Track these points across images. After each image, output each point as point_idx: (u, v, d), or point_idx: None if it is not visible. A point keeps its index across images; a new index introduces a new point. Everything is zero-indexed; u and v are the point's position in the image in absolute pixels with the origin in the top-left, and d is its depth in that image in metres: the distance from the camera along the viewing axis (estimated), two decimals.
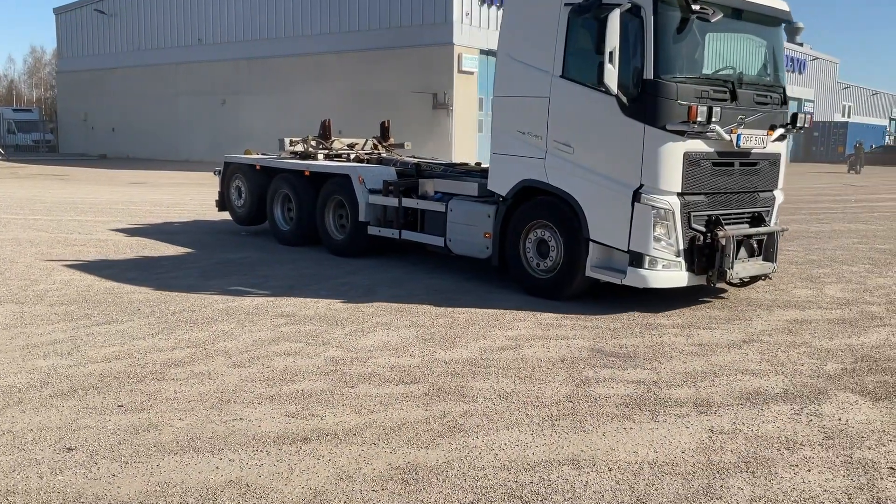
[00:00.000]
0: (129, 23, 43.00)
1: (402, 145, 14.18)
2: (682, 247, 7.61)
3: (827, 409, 5.32)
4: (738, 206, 8.14)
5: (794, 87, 51.35)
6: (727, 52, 8.27)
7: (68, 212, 16.49)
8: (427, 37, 30.93)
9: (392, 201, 10.25)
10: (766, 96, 8.15)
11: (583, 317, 7.73)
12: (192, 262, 10.52)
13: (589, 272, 8.04)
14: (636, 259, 7.60)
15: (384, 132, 14.14)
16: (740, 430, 4.90)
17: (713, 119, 7.32)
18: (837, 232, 14.88)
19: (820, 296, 8.98)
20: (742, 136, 7.73)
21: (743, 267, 8.00)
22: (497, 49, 8.93)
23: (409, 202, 10.09)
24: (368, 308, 7.97)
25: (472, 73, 31.22)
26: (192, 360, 6.17)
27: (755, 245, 8.21)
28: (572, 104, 8.04)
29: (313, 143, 13.14)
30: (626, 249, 7.65)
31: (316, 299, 8.32)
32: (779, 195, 8.70)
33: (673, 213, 7.48)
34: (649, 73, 7.34)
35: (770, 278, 8.72)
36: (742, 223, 8.18)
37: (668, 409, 5.25)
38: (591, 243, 7.94)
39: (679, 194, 7.54)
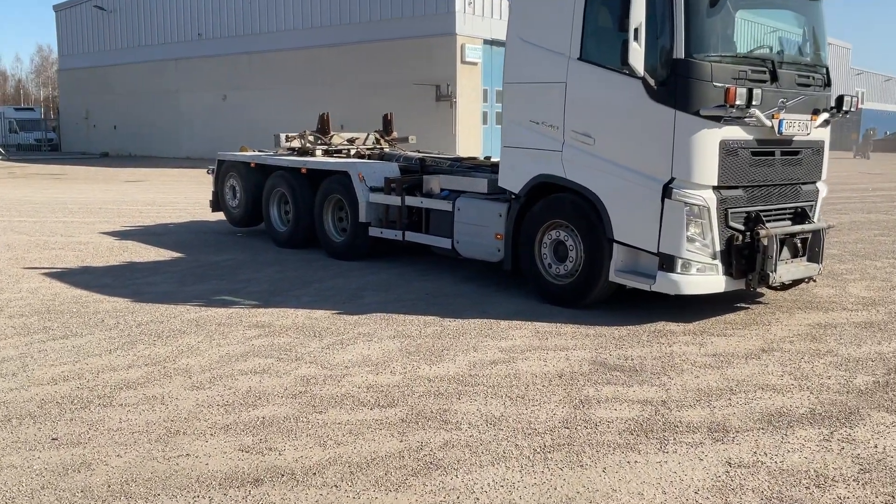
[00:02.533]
0: (129, 18, 42.41)
1: (406, 139, 13.46)
2: (718, 248, 6.80)
3: (860, 434, 4.65)
4: (779, 201, 7.30)
5: None
6: (764, 28, 7.46)
7: (56, 213, 15.92)
8: (429, 27, 30.17)
9: (395, 200, 9.46)
10: (808, 77, 7.33)
11: (584, 324, 7.07)
12: (172, 267, 9.90)
13: (613, 277, 7.23)
14: (667, 262, 6.79)
15: (387, 125, 13.37)
16: (762, 463, 4.24)
17: (753, 102, 6.53)
18: (857, 223, 14.13)
19: (843, 295, 8.28)
20: (785, 121, 6.91)
21: (787, 269, 7.15)
22: (507, 32, 8.06)
23: (412, 201, 9.30)
24: (351, 317, 7.33)
25: (475, 63, 30.45)
26: (148, 380, 5.55)
27: (799, 244, 7.35)
28: (592, 90, 7.27)
29: (311, 138, 12.36)
30: (656, 252, 6.85)
31: (296, 307, 7.69)
32: (822, 188, 7.84)
33: (708, 209, 6.68)
34: (679, 52, 6.56)
35: (815, 281, 7.89)
36: (784, 220, 7.34)
37: (679, 437, 4.59)
38: (614, 245, 7.15)
39: (715, 188, 6.74)
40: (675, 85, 6.63)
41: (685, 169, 6.70)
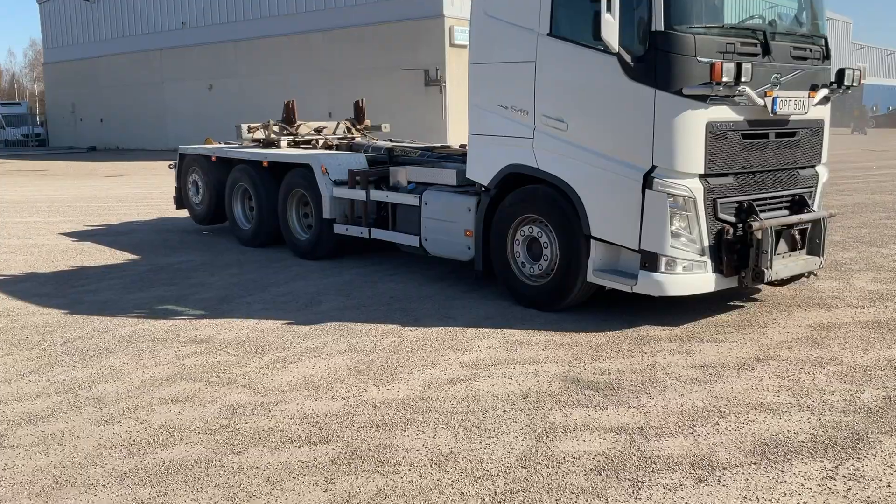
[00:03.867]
0: (113, 8, 41.43)
1: (379, 127, 12.62)
2: (707, 243, 6.10)
3: (870, 468, 3.93)
4: (774, 188, 6.58)
5: None
6: None
7: (21, 213, 15.19)
8: (416, 9, 29.26)
9: (359, 194, 8.69)
10: (805, 49, 6.59)
11: (559, 331, 6.35)
12: (122, 271, 9.19)
13: (591, 277, 6.50)
14: (650, 261, 6.08)
15: (358, 113, 12.52)
16: None
17: (742, 78, 5.79)
18: (861, 206, 13.37)
19: (848, 289, 7.56)
20: (779, 99, 6.18)
21: (784, 264, 6.44)
22: (471, 7, 7.31)
23: (377, 195, 8.53)
24: (303, 327, 6.62)
25: (465, 46, 29.59)
26: (53, 413, 4.85)
27: (797, 236, 6.62)
28: (564, 69, 6.55)
29: (275, 128, 11.51)
30: (637, 249, 6.16)
31: (244, 317, 6.98)
32: (823, 172, 7.08)
33: (694, 200, 5.99)
34: (658, 24, 5.83)
35: (816, 275, 7.10)
36: (780, 209, 6.63)
37: (656, 476, 3.88)
38: (592, 242, 6.44)
39: (702, 177, 6.05)
40: (654, 61, 5.89)
41: (667, 155, 5.98)
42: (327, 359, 5.78)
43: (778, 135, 6.50)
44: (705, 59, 5.82)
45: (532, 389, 5.08)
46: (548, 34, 6.55)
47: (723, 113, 6.03)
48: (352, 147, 10.79)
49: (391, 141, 11.53)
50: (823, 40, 6.89)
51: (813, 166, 6.98)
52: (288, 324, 6.73)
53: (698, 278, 6.17)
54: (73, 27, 44.19)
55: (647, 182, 6.02)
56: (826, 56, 6.86)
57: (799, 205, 6.73)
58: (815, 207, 6.91)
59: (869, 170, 20.73)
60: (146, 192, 18.88)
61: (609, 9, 5.72)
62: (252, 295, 7.83)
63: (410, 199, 8.14)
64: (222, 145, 11.94)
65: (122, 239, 11.54)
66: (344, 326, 6.61)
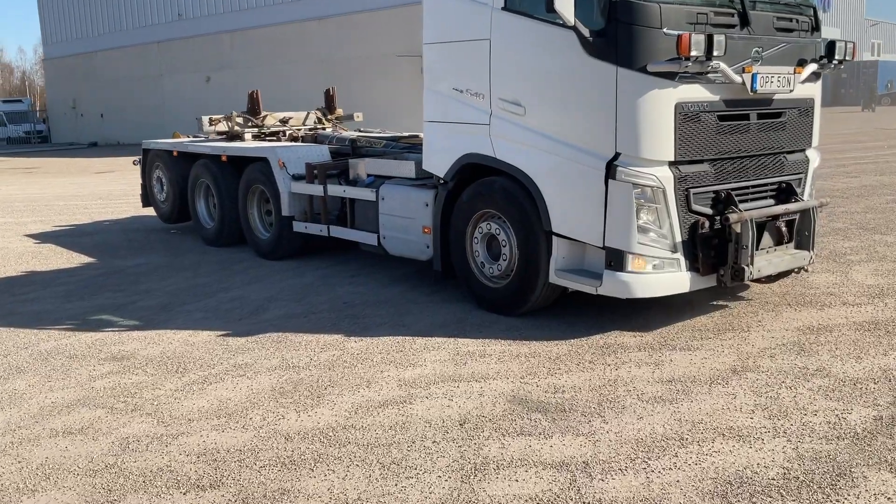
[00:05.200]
0: (110, 2, 40.99)
1: (351, 117, 11.93)
2: (679, 238, 5.48)
3: None
4: (757, 176, 5.93)
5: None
6: None
7: None
8: None
9: (317, 189, 8.11)
10: (790, 20, 5.92)
11: (518, 338, 5.73)
12: (72, 276, 8.63)
13: (553, 278, 5.87)
14: (615, 259, 5.46)
15: (329, 102, 11.80)
16: None
17: (715, 53, 5.14)
18: (868, 188, 12.59)
19: (845, 283, 6.87)
20: (759, 76, 5.50)
21: (768, 260, 5.79)
22: None
23: (334, 190, 7.92)
24: (238, 339, 6.03)
25: None
26: None
27: (784, 228, 5.97)
28: (520, 46, 5.91)
29: (240, 119, 10.81)
30: (602, 246, 5.55)
31: (178, 328, 6.40)
32: (814, 156, 6.42)
33: (664, 191, 5.37)
34: None
35: (807, 270, 6.36)
36: (765, 198, 6.00)
37: None
38: (554, 238, 5.82)
39: (672, 164, 5.41)
40: (615, 34, 5.24)
41: (632, 141, 5.34)
42: (253, 378, 5.18)
43: (760, 116, 5.82)
44: (672, 32, 5.15)
45: (472, 413, 4.47)
46: (502, 8, 5.91)
47: (695, 92, 5.37)
48: (317, 139, 10.13)
49: (360, 131, 10.92)
50: (812, 10, 6.19)
51: (802, 150, 6.31)
52: (223, 336, 6.14)
53: (671, 278, 5.54)
54: (71, 22, 43.75)
55: (611, 171, 5.38)
56: (815, 28, 6.17)
57: (786, 193, 6.07)
58: (805, 196, 6.24)
59: (880, 149, 19.85)
60: (131, 188, 18.30)
61: None
62: (197, 302, 7.25)
63: (367, 194, 7.50)
64: (184, 139, 11.36)
65: (85, 240, 10.99)
66: (283, 338, 6.01)
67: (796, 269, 6.21)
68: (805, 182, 6.31)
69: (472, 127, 6.27)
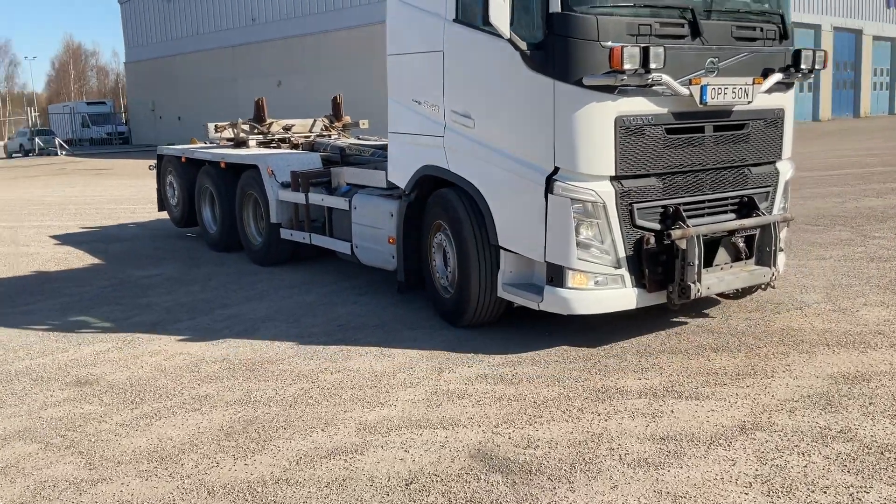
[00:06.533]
0: (187, 7, 41.87)
1: (357, 124, 11.91)
2: (623, 254, 5.31)
3: None
4: (714, 190, 5.70)
5: (880, 24, 45.08)
6: None
7: (42, 216, 14.88)
8: None
9: (300, 197, 8.16)
10: (752, 29, 5.69)
11: (511, 378, 5.14)
12: (78, 287, 8.45)
13: (501, 292, 5.82)
14: (555, 274, 5.35)
15: (336, 109, 11.80)
16: None
17: (652, 65, 4.94)
18: None
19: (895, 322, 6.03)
20: (709, 87, 5.26)
21: (718, 278, 5.55)
22: None
23: (314, 198, 7.97)
24: (210, 366, 5.63)
25: None
26: None
27: (742, 244, 5.70)
28: (468, 59, 5.84)
29: (245, 127, 10.96)
30: (543, 260, 5.41)
31: (157, 350, 6.06)
32: (786, 168, 6.13)
33: (604, 206, 5.20)
34: (556, 4, 5.04)
35: (773, 286, 5.94)
36: (724, 212, 5.78)
37: None
38: (503, 253, 5.74)
39: (613, 179, 5.23)
40: (552, 47, 5.11)
41: (570, 156, 5.19)
42: (206, 414, 4.76)
43: (719, 128, 5.61)
44: (608, 44, 4.98)
45: (424, 471, 3.92)
46: (454, 20, 5.84)
47: (638, 105, 5.18)
48: (313, 146, 10.12)
49: (358, 138, 10.88)
50: (779, 17, 5.92)
51: (771, 163, 6.04)
52: (197, 361, 5.75)
53: (615, 294, 5.38)
54: (152, 26, 44.94)
55: (549, 186, 5.26)
56: (784, 36, 5.89)
57: (748, 208, 5.82)
58: (775, 210, 6.05)
59: None
60: None
61: None
62: (191, 319, 6.91)
63: (342, 203, 7.55)
64: (191, 146, 11.51)
65: (114, 247, 10.91)
66: (258, 366, 5.58)
67: (762, 286, 5.89)
68: (772, 196, 6.06)
69: (429, 139, 6.22)
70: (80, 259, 10.07)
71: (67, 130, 48.46)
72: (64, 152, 40.06)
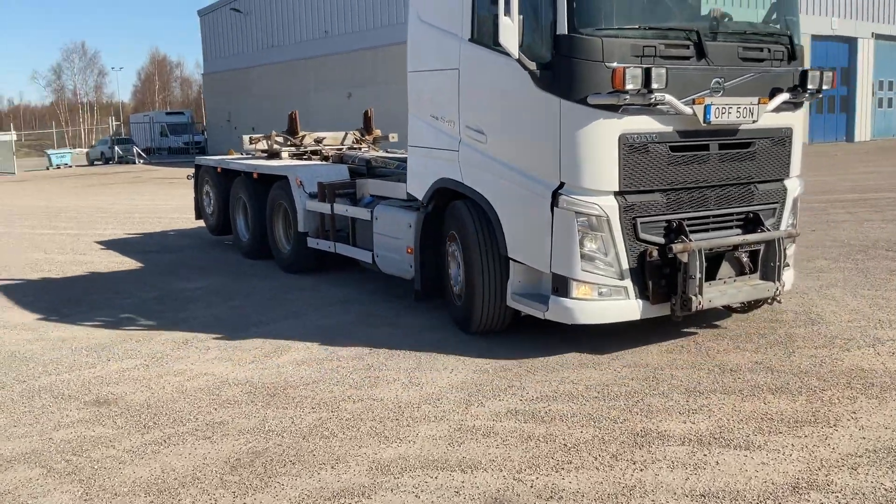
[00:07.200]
0: (263, 19, 42.63)
1: (386, 137, 11.96)
2: (626, 266, 5.50)
3: None
4: (720, 206, 5.86)
5: None
6: None
7: (104, 224, 15.15)
8: None
9: (326, 207, 8.41)
10: (759, 50, 5.82)
11: (539, 414, 4.76)
12: (124, 298, 8.41)
13: (510, 301, 6.03)
14: (560, 285, 5.56)
15: (367, 123, 11.95)
16: None
17: (654, 85, 5.15)
18: None
19: None
20: (713, 107, 5.42)
21: (721, 292, 5.69)
22: (408, 13, 6.97)
23: (339, 208, 8.22)
24: (229, 390, 5.41)
25: None
26: None
27: (745, 259, 5.84)
28: (483, 77, 6.06)
29: (279, 139, 11.12)
30: (549, 271, 5.61)
31: (181, 370, 5.89)
32: (793, 185, 6.26)
33: (608, 220, 5.41)
34: (563, 27, 5.26)
35: (779, 301, 6.04)
36: (729, 228, 5.93)
37: None
38: (511, 263, 5.96)
39: (618, 194, 5.44)
40: (558, 67, 5.34)
41: (575, 171, 5.41)
42: (217, 442, 4.52)
43: (724, 146, 5.77)
44: (612, 65, 5.17)
45: None
46: (469, 39, 6.09)
47: (642, 124, 5.38)
48: (343, 159, 10.18)
49: (386, 151, 10.96)
50: (788, 38, 6.02)
51: (778, 180, 6.17)
52: (220, 383, 5.55)
53: (619, 305, 5.56)
54: (229, 38, 45.92)
55: (555, 199, 5.47)
56: (792, 56, 6.00)
57: (753, 224, 5.95)
58: (782, 225, 6.15)
59: None
60: None
61: (507, 11, 5.23)
62: (225, 337, 6.74)
63: (364, 214, 7.80)
64: (227, 156, 11.78)
65: (167, 258, 10.97)
66: (280, 391, 5.34)
67: (768, 301, 6.00)
68: (780, 212, 6.17)
69: (445, 153, 6.43)
70: (130, 268, 10.10)
71: (147, 139, 49.88)
72: (142, 161, 41.21)
